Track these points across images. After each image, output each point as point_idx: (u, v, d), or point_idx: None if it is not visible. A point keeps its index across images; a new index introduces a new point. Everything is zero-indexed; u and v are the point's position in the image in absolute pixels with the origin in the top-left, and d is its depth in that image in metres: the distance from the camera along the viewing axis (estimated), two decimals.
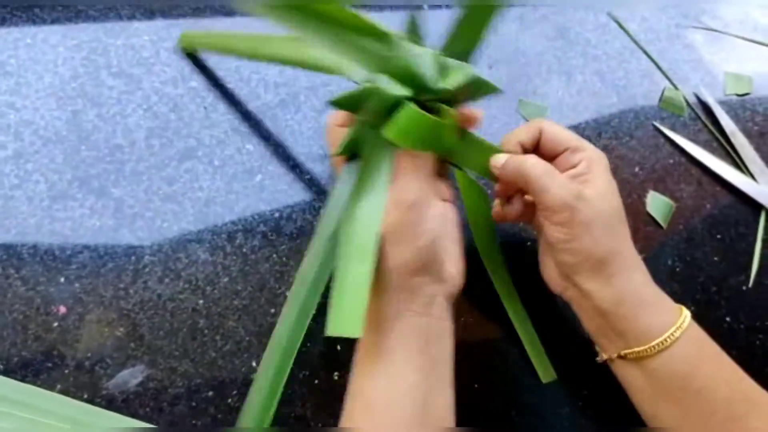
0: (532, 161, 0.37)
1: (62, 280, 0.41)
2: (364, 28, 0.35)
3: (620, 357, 0.37)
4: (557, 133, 0.39)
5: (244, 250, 0.43)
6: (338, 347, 0.42)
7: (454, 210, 0.37)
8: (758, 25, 0.64)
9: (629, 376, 0.37)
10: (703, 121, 0.56)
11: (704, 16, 0.63)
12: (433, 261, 0.35)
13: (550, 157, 0.39)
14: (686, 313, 0.36)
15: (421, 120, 0.34)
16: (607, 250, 0.36)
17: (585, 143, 0.38)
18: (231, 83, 0.48)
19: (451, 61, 0.36)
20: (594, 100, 0.55)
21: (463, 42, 0.37)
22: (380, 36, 0.35)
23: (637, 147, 0.54)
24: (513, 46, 0.55)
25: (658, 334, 0.35)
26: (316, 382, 0.41)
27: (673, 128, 0.55)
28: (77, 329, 0.40)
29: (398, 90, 0.34)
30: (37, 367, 0.39)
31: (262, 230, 0.44)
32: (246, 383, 0.40)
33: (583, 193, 0.36)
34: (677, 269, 0.50)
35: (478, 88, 0.37)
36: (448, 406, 0.35)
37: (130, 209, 0.43)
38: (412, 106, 0.34)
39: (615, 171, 0.39)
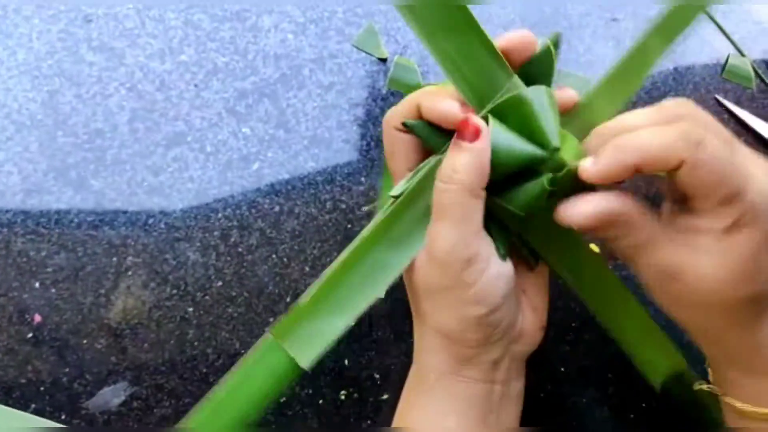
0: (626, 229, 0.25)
1: (37, 285, 0.36)
2: (488, 47, 0.27)
3: (725, 403, 0.29)
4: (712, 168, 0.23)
5: (240, 249, 0.38)
6: (346, 362, 0.37)
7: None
8: None
9: (729, 415, 0.30)
10: None
11: None
12: (494, 330, 0.27)
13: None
14: None
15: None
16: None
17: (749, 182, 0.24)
18: (225, 56, 0.42)
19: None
20: None
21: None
22: (500, 62, 0.27)
23: None
24: (553, 7, 0.48)
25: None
26: (320, 402, 0.36)
27: (738, 102, 0.47)
28: (53, 341, 0.36)
29: (523, 146, 0.26)
30: (8, 384, 0.35)
31: (260, 227, 0.39)
32: None
33: (680, 270, 0.25)
34: None
35: None
36: None
37: (111, 203, 0.38)
38: (546, 185, 0.26)
39: None
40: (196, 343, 0.36)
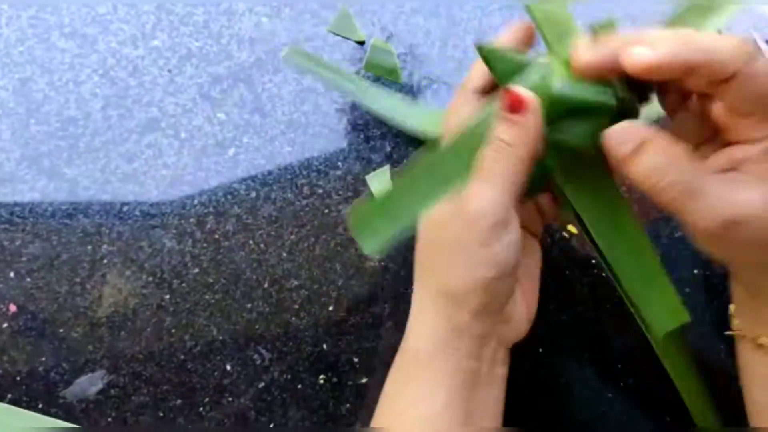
0: (660, 161, 0.25)
1: (12, 274, 0.36)
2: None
3: (758, 345, 0.30)
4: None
5: (216, 236, 0.38)
6: (324, 346, 0.37)
7: (536, 244, 0.32)
8: None
9: (757, 365, 0.30)
10: None
11: None
12: (493, 300, 0.28)
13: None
14: None
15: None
16: None
17: None
18: (199, 40, 0.41)
19: None
20: None
21: None
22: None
23: None
24: None
25: None
26: (299, 386, 0.36)
27: None
28: (29, 330, 0.35)
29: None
30: None
31: (236, 213, 0.38)
32: (219, 389, 0.36)
33: (742, 209, 0.25)
34: None
35: None
36: None
37: (85, 191, 0.38)
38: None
39: None
40: (173, 331, 0.36)
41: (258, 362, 0.36)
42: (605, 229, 0.30)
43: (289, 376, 0.36)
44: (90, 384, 0.35)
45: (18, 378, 0.35)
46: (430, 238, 0.29)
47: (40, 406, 0.34)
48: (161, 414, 0.35)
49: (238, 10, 0.42)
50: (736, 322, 0.32)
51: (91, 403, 0.35)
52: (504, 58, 0.28)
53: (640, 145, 0.25)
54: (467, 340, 0.28)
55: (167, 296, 0.37)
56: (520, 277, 0.30)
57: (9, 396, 0.34)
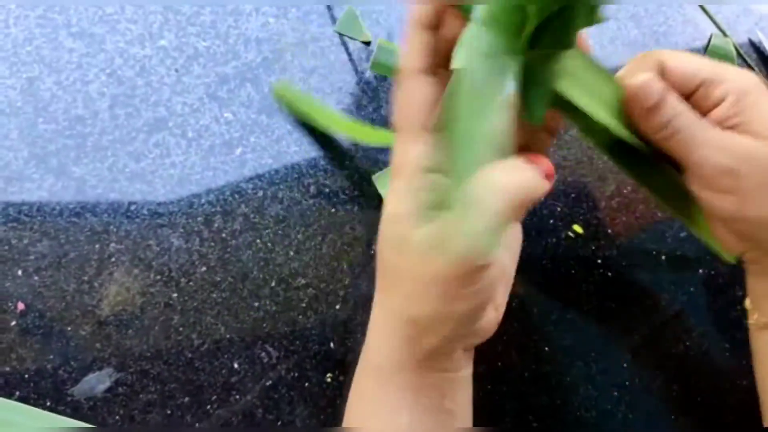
0: (677, 109, 0.28)
1: (20, 272, 0.36)
2: None
3: None
4: (684, 63, 0.28)
5: (224, 235, 0.38)
6: (331, 345, 0.37)
7: (517, 231, 0.30)
8: None
9: None
10: (757, 73, 0.49)
11: None
12: (466, 327, 0.26)
13: (682, 97, 0.29)
14: None
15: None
16: None
17: (726, 69, 0.28)
18: (206, 40, 0.41)
19: None
20: (629, 49, 0.47)
21: None
22: None
23: None
24: None
25: None
26: (307, 384, 0.36)
27: None
28: (37, 328, 0.35)
29: None
30: None
31: (243, 212, 0.39)
32: (226, 387, 0.36)
33: (746, 150, 0.27)
34: None
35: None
36: None
37: (92, 190, 0.38)
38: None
39: None
40: (180, 329, 0.36)
41: (265, 360, 0.36)
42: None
43: (296, 375, 0.36)
44: (98, 382, 0.35)
45: (26, 376, 0.35)
46: (393, 260, 0.26)
47: (48, 403, 0.35)
48: (169, 412, 0.35)
49: (245, 10, 0.42)
50: (755, 316, 0.32)
51: (99, 401, 0.35)
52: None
53: (659, 100, 0.27)
54: (432, 359, 0.27)
55: (175, 295, 0.37)
56: (496, 286, 0.28)
57: (17, 394, 0.34)
